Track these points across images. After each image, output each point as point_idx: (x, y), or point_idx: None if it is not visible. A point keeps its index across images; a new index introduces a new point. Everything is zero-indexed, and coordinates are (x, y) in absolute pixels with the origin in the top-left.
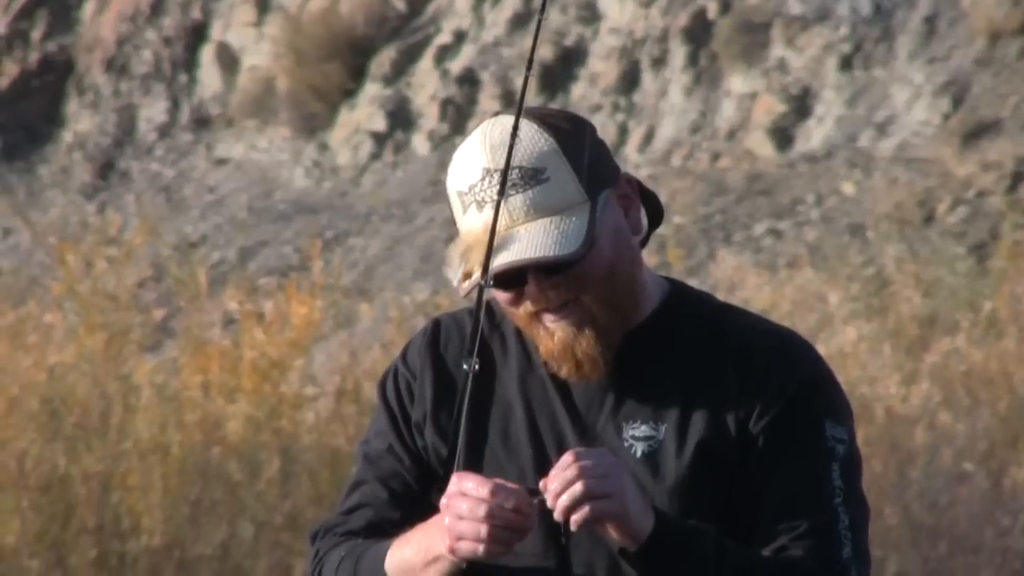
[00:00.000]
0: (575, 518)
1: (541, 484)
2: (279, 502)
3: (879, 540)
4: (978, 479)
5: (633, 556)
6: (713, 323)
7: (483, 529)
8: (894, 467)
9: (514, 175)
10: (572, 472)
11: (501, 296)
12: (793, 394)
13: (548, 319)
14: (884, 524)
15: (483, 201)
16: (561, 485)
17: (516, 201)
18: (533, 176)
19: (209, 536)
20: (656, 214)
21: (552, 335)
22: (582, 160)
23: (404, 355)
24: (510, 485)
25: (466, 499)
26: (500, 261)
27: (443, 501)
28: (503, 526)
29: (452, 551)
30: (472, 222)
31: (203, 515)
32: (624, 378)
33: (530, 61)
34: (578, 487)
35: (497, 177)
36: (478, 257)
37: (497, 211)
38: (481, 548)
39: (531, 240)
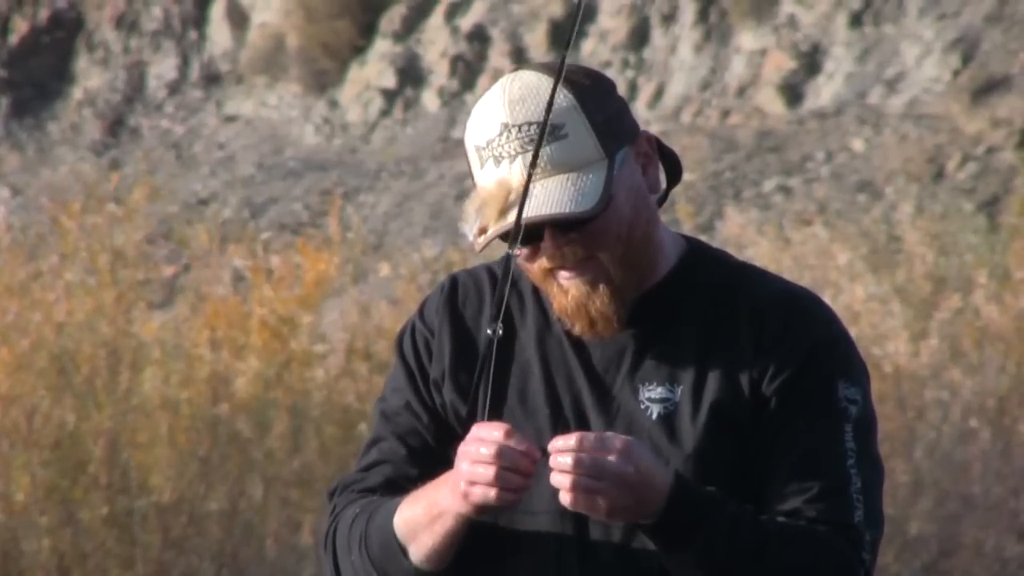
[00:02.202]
0: (561, 499)
1: (549, 446)
2: (288, 459)
3: (889, 499)
4: (987, 437)
5: (645, 529)
6: (729, 282)
7: (493, 471)
8: (904, 425)
9: (532, 131)
10: (567, 461)
11: (521, 250)
12: (807, 354)
13: (563, 276)
14: (894, 481)
15: (500, 156)
16: (554, 465)
17: (530, 158)
18: (551, 132)
19: (218, 493)
20: (674, 172)
21: (566, 292)
22: (600, 117)
23: (421, 312)
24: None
25: (481, 442)
26: (514, 191)
27: (460, 448)
28: (513, 468)
29: (465, 496)
30: (489, 177)
31: (212, 472)
32: (641, 338)
33: (568, 41)
34: (564, 480)
35: (515, 132)
36: (492, 213)
37: (534, 161)
38: (493, 493)
39: (548, 196)
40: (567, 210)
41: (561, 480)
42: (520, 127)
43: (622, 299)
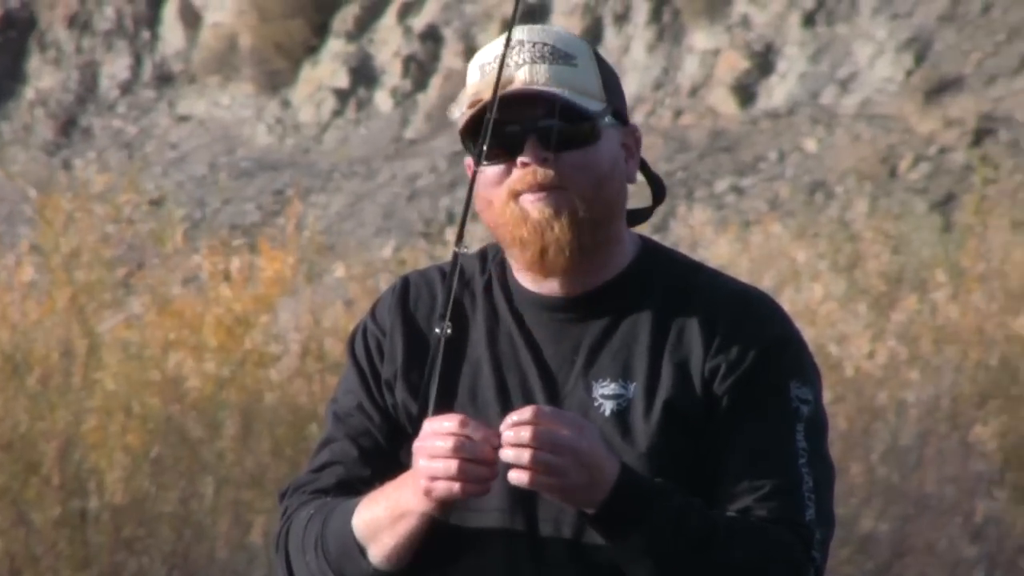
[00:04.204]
0: (511, 477)
1: (504, 423)
2: (240, 460)
3: (843, 499)
4: (944, 438)
5: (589, 518)
6: (683, 281)
7: (454, 464)
8: (860, 426)
9: (545, 50)
10: (525, 434)
11: (490, 171)
12: (759, 354)
13: (527, 199)
14: (849, 482)
15: (508, 65)
16: (511, 440)
17: (540, 69)
18: (564, 57)
19: (170, 494)
20: (659, 194)
21: (526, 218)
22: (608, 75)
23: (373, 312)
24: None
25: (436, 436)
26: (516, 85)
27: (415, 444)
28: (474, 459)
29: (427, 493)
30: (490, 80)
31: (164, 473)
32: (596, 334)
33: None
34: (525, 455)
35: (528, 47)
36: (486, 88)
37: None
38: (456, 487)
39: (551, 83)
40: (571, 100)
41: (518, 455)
42: (535, 44)
43: (580, 241)
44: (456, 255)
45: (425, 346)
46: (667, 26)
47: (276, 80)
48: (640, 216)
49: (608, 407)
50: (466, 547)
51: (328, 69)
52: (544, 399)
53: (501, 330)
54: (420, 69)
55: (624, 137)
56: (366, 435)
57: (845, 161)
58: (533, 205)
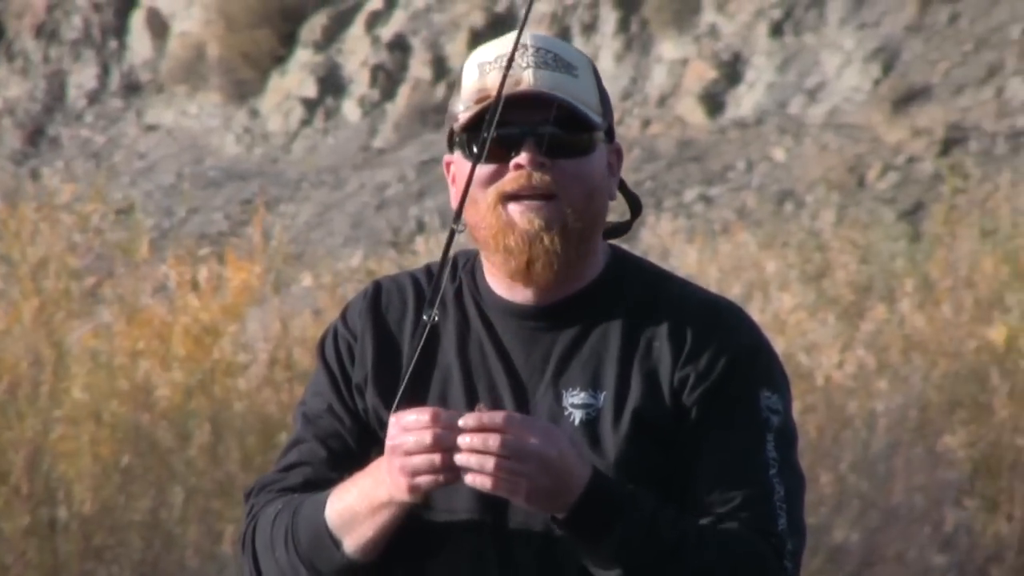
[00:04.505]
0: (470, 480)
1: (461, 422)
2: (209, 469)
3: (813, 509)
4: (912, 447)
5: (559, 523)
6: (653, 291)
7: (436, 458)
8: (830, 435)
9: (548, 57)
10: (492, 442)
11: (481, 169)
12: (727, 364)
13: (516, 209)
14: (819, 492)
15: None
16: (477, 446)
17: (544, 75)
18: (566, 66)
19: (139, 503)
20: (635, 210)
21: (513, 226)
22: (604, 93)
23: (344, 316)
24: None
25: (410, 433)
26: (523, 87)
27: (388, 443)
28: (452, 449)
29: (413, 489)
30: (494, 78)
31: (134, 482)
32: (566, 343)
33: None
34: (488, 463)
35: (532, 52)
36: (494, 86)
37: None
38: (441, 478)
39: (556, 88)
40: (577, 106)
41: (482, 462)
42: (539, 50)
43: (567, 252)
44: (452, 232)
45: (396, 350)
46: (635, 36)
47: (244, 90)
48: (618, 230)
49: (578, 416)
50: (435, 547)
51: (296, 79)
52: (513, 407)
53: (472, 337)
54: (388, 79)
55: (609, 155)
56: (335, 437)
57: (813, 171)
58: (522, 215)
